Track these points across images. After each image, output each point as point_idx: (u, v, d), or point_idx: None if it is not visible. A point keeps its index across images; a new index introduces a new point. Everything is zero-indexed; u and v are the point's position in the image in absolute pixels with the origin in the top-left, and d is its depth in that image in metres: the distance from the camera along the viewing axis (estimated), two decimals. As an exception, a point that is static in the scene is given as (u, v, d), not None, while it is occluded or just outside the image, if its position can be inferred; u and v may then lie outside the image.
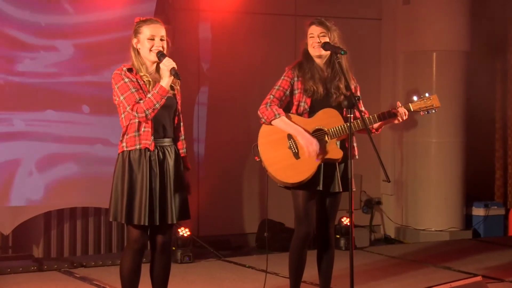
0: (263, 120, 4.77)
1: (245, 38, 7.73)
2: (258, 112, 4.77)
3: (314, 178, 4.70)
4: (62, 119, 6.59)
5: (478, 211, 8.39)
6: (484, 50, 8.57)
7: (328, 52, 4.74)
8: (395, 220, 8.43)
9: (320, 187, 4.71)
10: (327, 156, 4.68)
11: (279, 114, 4.72)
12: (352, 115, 4.47)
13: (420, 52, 8.18)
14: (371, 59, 8.44)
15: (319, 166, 4.68)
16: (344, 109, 4.70)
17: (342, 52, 4.59)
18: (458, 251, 7.38)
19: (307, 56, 4.81)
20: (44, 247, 6.75)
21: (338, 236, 7.40)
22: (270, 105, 4.75)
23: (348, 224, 7.32)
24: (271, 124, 4.74)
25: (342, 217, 7.43)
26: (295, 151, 4.71)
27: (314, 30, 4.78)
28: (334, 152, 4.70)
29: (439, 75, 8.08)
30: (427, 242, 7.89)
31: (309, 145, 4.65)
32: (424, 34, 8.12)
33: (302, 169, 4.68)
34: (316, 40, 4.74)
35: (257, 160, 4.79)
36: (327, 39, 4.73)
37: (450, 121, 8.10)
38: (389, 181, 4.52)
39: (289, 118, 4.74)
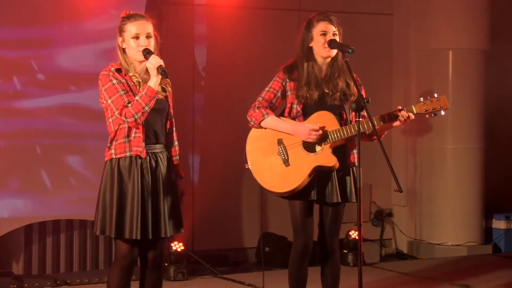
0: (251, 123, 4.79)
1: (244, 35, 7.73)
2: (247, 116, 4.80)
3: (308, 187, 4.70)
4: (42, 124, 6.61)
5: (499, 224, 8.39)
6: (505, 48, 8.57)
7: (335, 51, 4.73)
8: (407, 234, 8.43)
9: (313, 197, 4.71)
10: (320, 164, 4.66)
11: (267, 113, 4.73)
12: (357, 119, 4.46)
13: (435, 51, 8.19)
14: (381, 58, 8.44)
15: (312, 175, 4.68)
16: (342, 111, 4.71)
17: (350, 50, 4.55)
18: (476, 268, 7.38)
19: (308, 54, 4.79)
20: (24, 263, 6.75)
21: (345, 251, 7.40)
22: (258, 107, 4.76)
23: (357, 238, 7.30)
24: (260, 127, 4.76)
25: (350, 230, 7.43)
26: (285, 158, 4.72)
27: (328, 28, 4.73)
28: (327, 159, 4.67)
29: (456, 76, 8.09)
30: (443, 258, 7.89)
31: (308, 135, 4.64)
32: (439, 30, 8.12)
33: (291, 178, 4.68)
34: (330, 39, 4.71)
35: (247, 167, 4.81)
36: (337, 39, 4.72)
37: (468, 126, 8.11)
38: (401, 191, 4.51)
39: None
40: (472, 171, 8.14)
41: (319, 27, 4.75)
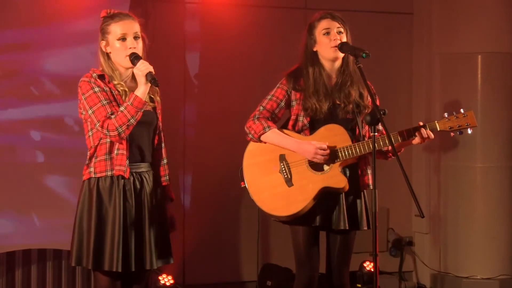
0: (250, 136, 4.79)
1: (243, 37, 7.74)
2: (245, 127, 4.79)
3: (312, 212, 4.68)
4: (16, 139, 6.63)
5: (536, 254, 8.38)
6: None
7: (343, 55, 4.74)
8: (430, 265, 8.41)
9: (318, 223, 4.70)
10: (327, 185, 4.66)
11: (269, 126, 4.73)
12: (368, 134, 4.47)
13: (461, 55, 8.19)
14: (400, 63, 8.45)
15: (318, 197, 4.66)
16: (355, 125, 4.71)
17: (364, 55, 4.55)
18: (510, 304, 7.38)
19: (313, 59, 4.78)
20: (-10, 298, 6.75)
21: (359, 285, 7.40)
22: (258, 118, 4.76)
23: (372, 270, 7.30)
24: (260, 141, 4.76)
25: (364, 262, 7.43)
26: (287, 177, 4.71)
27: (331, 25, 4.75)
28: (336, 179, 4.67)
29: (486, 84, 8.08)
30: (472, 293, 7.89)
31: (314, 154, 4.63)
32: (466, 32, 8.13)
33: (294, 200, 4.68)
34: (334, 38, 4.72)
35: (243, 186, 4.80)
36: (344, 37, 4.73)
37: (500, 141, 8.09)
38: (423, 216, 4.50)
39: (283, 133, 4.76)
40: (505, 193, 8.13)
41: (320, 26, 4.77)
